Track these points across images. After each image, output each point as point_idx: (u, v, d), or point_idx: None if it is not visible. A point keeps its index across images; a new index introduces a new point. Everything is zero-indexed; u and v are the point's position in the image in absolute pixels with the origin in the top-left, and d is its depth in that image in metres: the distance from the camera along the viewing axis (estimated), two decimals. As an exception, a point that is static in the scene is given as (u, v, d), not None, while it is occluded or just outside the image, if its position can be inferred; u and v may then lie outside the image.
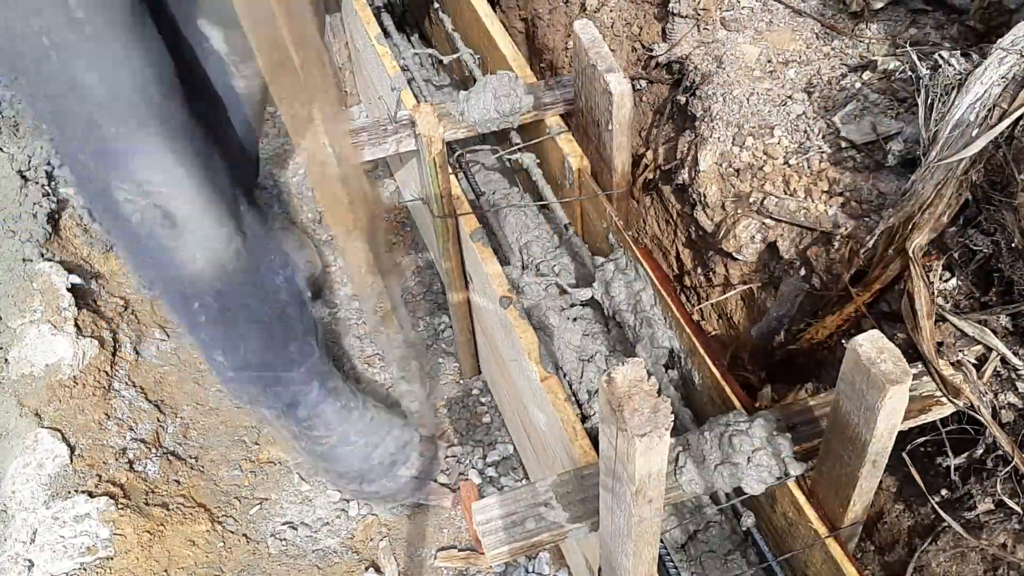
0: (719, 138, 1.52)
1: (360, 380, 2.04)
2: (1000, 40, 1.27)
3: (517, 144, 1.75)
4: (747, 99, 1.53)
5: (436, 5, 2.18)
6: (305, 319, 1.67)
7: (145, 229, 1.40)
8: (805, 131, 1.46)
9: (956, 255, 1.29)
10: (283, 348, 1.63)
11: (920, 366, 1.20)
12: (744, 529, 1.22)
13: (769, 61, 1.58)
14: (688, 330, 1.33)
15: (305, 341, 1.66)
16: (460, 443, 1.93)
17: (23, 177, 2.12)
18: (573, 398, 1.45)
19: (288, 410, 1.69)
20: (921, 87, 1.32)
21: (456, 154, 1.80)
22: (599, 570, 1.16)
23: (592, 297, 1.53)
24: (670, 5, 1.68)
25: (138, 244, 1.44)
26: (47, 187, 2.13)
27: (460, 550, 1.78)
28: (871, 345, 0.91)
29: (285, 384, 1.66)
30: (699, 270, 1.67)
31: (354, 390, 1.78)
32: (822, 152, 1.42)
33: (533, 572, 1.73)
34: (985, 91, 1.22)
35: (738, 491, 1.12)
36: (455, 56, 1.96)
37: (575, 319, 1.53)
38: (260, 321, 1.58)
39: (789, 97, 1.51)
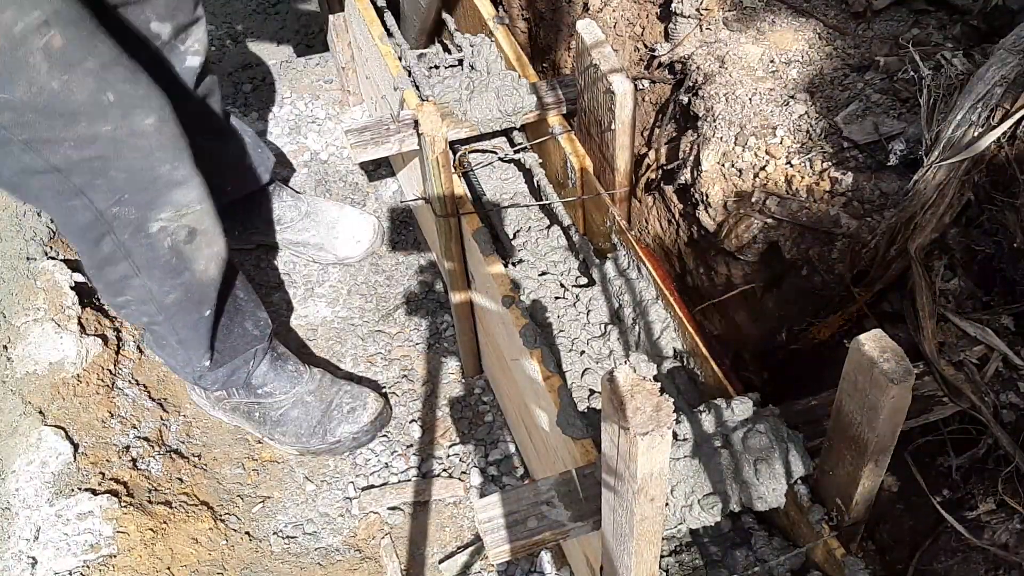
0: (721, 138, 1.52)
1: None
2: (1002, 40, 1.27)
3: (520, 144, 1.76)
4: (749, 99, 1.53)
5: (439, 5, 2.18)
6: (250, 293, 1.80)
7: (173, 249, 1.52)
8: (807, 131, 1.46)
9: (958, 255, 1.29)
10: (244, 328, 1.77)
11: (922, 366, 1.20)
12: (746, 527, 1.22)
13: (772, 61, 1.58)
14: (690, 330, 1.33)
15: (257, 316, 1.80)
16: (462, 442, 1.94)
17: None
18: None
19: (245, 384, 1.84)
20: (923, 87, 1.32)
21: (459, 153, 1.80)
22: (600, 569, 1.16)
23: (594, 297, 1.53)
24: (672, 5, 1.68)
25: (159, 263, 1.53)
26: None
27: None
28: (874, 344, 0.91)
29: (246, 360, 1.80)
30: (701, 270, 1.67)
31: (298, 360, 1.91)
32: (824, 152, 1.42)
33: (535, 571, 1.74)
34: (987, 91, 1.23)
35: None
36: (458, 55, 1.96)
37: (577, 318, 1.53)
38: (233, 309, 1.74)
39: (791, 97, 1.51)
